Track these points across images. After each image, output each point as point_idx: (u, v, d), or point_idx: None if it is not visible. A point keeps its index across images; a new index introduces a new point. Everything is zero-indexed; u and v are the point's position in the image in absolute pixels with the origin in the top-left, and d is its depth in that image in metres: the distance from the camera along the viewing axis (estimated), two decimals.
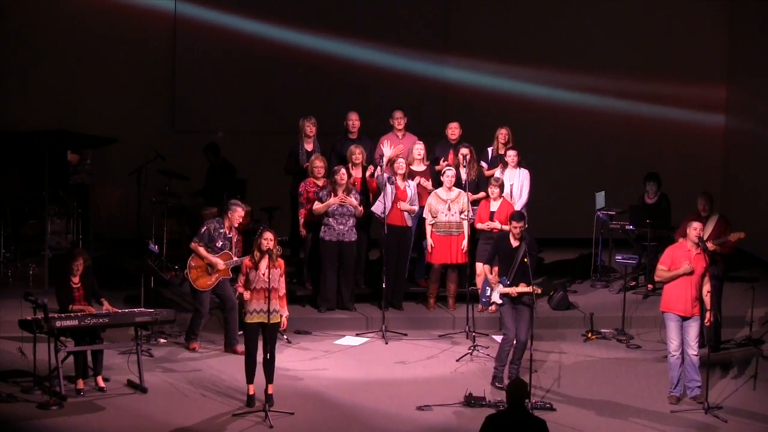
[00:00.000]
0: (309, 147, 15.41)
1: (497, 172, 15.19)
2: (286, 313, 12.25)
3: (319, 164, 14.85)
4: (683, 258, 12.44)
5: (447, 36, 18.14)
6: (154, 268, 13.95)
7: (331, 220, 14.59)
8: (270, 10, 17.82)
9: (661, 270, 12.59)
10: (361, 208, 14.65)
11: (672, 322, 12.48)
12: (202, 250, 13.47)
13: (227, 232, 13.61)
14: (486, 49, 18.17)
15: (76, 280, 12.54)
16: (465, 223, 14.63)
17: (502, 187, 14.80)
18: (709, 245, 13.46)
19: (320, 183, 14.84)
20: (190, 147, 17.21)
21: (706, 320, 12.43)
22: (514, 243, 12.78)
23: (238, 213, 13.56)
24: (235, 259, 13.54)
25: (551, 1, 18.29)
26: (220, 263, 13.45)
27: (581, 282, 16.35)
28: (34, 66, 17.48)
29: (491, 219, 14.70)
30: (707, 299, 12.39)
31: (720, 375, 13.30)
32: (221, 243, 13.56)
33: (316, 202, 14.62)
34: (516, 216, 12.92)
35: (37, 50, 17.47)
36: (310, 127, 15.39)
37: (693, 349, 12.42)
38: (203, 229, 13.59)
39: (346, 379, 13.01)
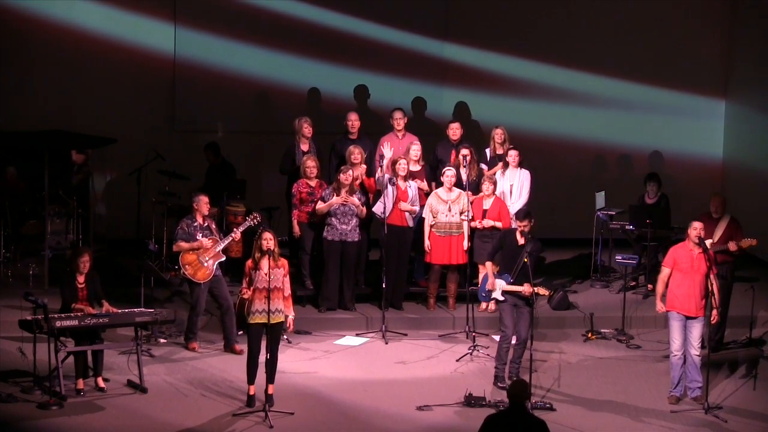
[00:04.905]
0: (305, 147, 15.42)
1: (498, 173, 15.19)
2: (292, 314, 12.22)
3: (311, 164, 14.86)
4: (685, 258, 12.43)
5: (447, 34, 18.11)
6: (154, 268, 13.96)
7: (333, 219, 14.60)
8: (270, 11, 17.83)
9: (661, 277, 12.58)
10: (363, 209, 14.67)
11: (675, 322, 12.47)
12: (183, 243, 13.60)
13: (202, 223, 13.76)
14: (487, 49, 18.13)
15: (81, 279, 12.54)
16: (465, 224, 14.63)
17: (495, 184, 14.81)
18: (731, 246, 13.50)
19: (312, 183, 14.86)
20: (190, 147, 17.24)
21: (712, 318, 12.42)
22: (521, 240, 12.76)
23: (203, 201, 13.76)
24: (223, 242, 13.66)
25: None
26: (205, 241, 13.57)
27: (581, 282, 16.35)
28: (34, 66, 17.48)
29: (484, 217, 14.71)
30: (714, 297, 12.37)
31: (720, 375, 13.30)
32: (201, 235, 13.67)
33: (319, 202, 14.63)
34: (520, 215, 12.92)
35: (37, 50, 17.47)
36: (307, 128, 15.42)
37: (695, 350, 12.41)
38: (178, 229, 13.76)
39: (346, 379, 13.01)
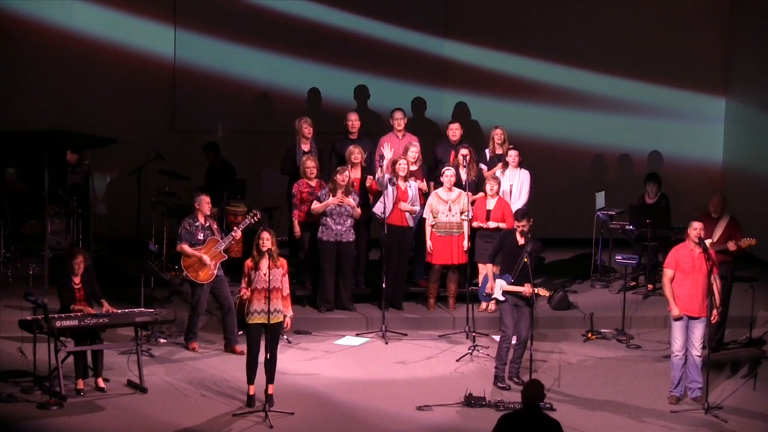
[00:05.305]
0: (306, 147, 15.42)
1: (498, 172, 15.20)
2: (290, 313, 12.22)
3: (310, 164, 14.87)
4: (687, 259, 12.42)
5: (446, 32, 18.10)
6: (154, 268, 13.96)
7: (328, 220, 14.60)
8: (269, 11, 17.83)
9: (665, 280, 12.55)
10: (358, 210, 14.66)
11: (677, 322, 12.46)
12: (187, 248, 13.61)
13: (203, 222, 13.78)
14: (487, 47, 18.13)
15: (77, 280, 12.54)
16: (465, 224, 14.63)
17: (500, 184, 14.81)
18: (731, 246, 13.49)
19: (312, 183, 14.86)
20: (190, 147, 17.24)
21: (713, 318, 12.41)
22: (521, 240, 12.76)
23: (204, 200, 13.79)
24: (224, 241, 13.68)
25: None
26: (206, 258, 13.56)
27: (581, 282, 16.35)
28: (35, 68, 17.48)
29: (487, 218, 14.70)
30: (716, 297, 12.36)
31: (720, 375, 13.30)
32: (202, 235, 13.69)
33: (315, 202, 14.64)
34: (518, 215, 12.91)
35: (38, 53, 17.46)
36: (307, 128, 15.42)
37: (697, 350, 12.41)
38: (181, 229, 13.77)
39: (346, 379, 13.00)
